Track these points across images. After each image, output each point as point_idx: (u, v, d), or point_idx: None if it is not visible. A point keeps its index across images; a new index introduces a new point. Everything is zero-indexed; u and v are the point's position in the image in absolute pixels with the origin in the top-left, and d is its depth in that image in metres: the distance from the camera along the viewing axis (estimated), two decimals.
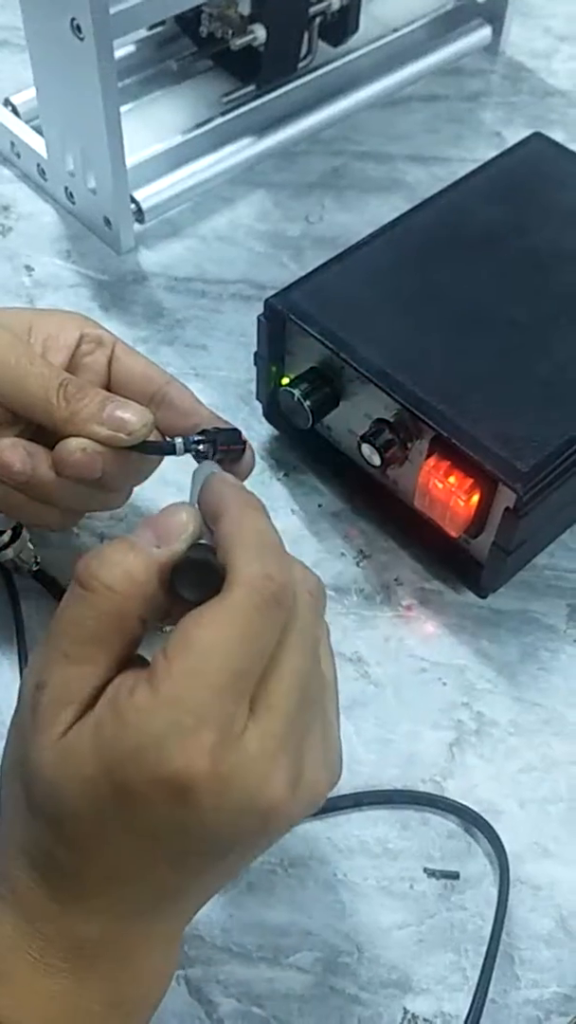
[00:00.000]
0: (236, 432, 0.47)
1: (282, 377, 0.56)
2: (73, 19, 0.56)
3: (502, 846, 0.46)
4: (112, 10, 0.55)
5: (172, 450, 0.45)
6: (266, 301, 0.53)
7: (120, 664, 0.34)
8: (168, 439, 0.47)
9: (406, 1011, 0.43)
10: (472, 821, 0.47)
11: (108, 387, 0.48)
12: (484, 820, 0.47)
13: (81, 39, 0.56)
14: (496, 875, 0.46)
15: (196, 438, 0.46)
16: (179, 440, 0.45)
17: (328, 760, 0.36)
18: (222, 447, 0.46)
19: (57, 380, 0.45)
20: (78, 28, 0.56)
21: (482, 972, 0.43)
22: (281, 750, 0.33)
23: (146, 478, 0.49)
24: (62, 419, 0.45)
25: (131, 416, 0.45)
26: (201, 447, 0.45)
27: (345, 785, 0.48)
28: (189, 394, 0.48)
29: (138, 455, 0.46)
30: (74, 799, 0.32)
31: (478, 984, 0.43)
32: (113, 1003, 0.35)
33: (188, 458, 0.46)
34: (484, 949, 0.44)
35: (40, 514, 0.47)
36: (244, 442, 0.47)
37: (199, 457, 0.45)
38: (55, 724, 0.33)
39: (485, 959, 0.44)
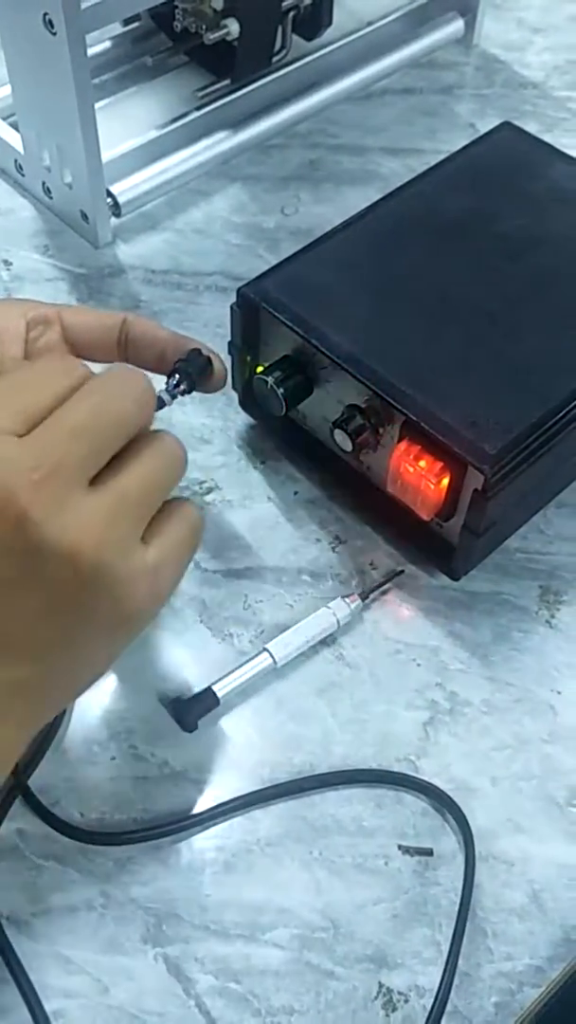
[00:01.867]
0: (200, 354, 0.48)
1: (256, 366, 0.57)
2: (45, 14, 0.56)
3: (467, 824, 0.47)
4: (83, 5, 0.56)
5: (161, 405, 0.46)
6: (239, 290, 0.54)
7: None
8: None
9: (381, 985, 0.44)
10: (437, 798, 0.48)
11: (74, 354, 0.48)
12: (449, 798, 0.47)
13: (54, 34, 0.57)
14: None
15: (174, 382, 0.47)
16: (163, 394, 0.46)
17: (156, 577, 0.38)
18: (196, 373, 0.48)
19: (23, 325, 0.46)
20: (50, 23, 0.57)
21: (451, 946, 0.44)
22: (123, 538, 0.36)
23: None
24: None
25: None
26: (182, 387, 0.47)
27: (321, 764, 0.49)
28: (148, 324, 0.49)
29: None
30: None
31: (447, 959, 0.44)
32: None
33: (166, 412, 0.48)
34: (455, 922, 0.45)
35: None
36: (209, 359, 0.49)
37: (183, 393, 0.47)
38: None
39: (454, 934, 0.44)
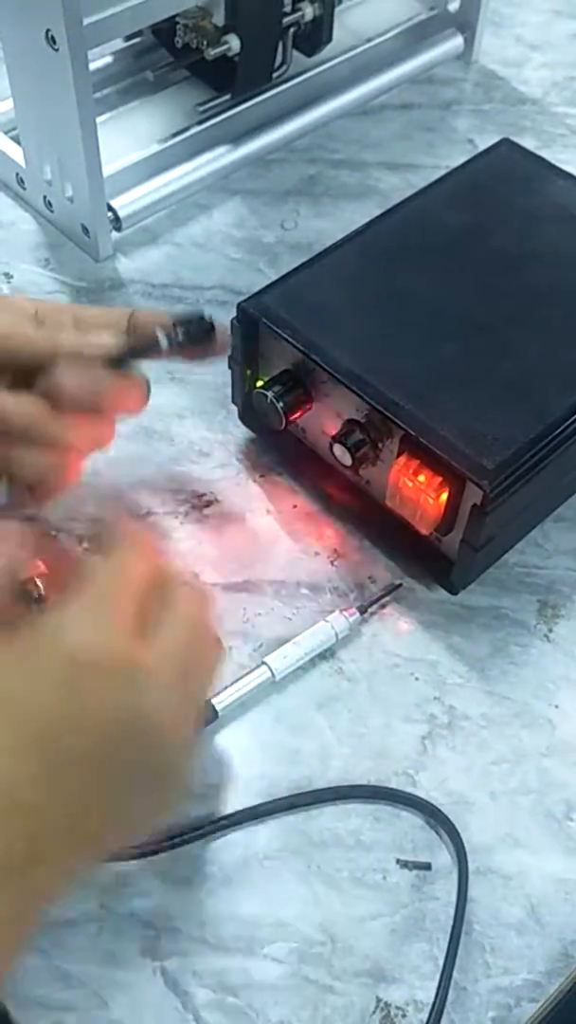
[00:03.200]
0: (203, 318, 0.49)
1: (256, 380, 0.57)
2: (48, 30, 0.57)
3: (461, 840, 0.47)
4: (86, 21, 0.56)
5: (156, 345, 0.47)
6: (239, 305, 0.54)
7: None
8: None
9: (379, 1000, 0.44)
10: (432, 815, 0.48)
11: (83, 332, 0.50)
12: (444, 815, 0.47)
13: (56, 50, 0.57)
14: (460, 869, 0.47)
15: (178, 330, 0.48)
16: (160, 333, 0.47)
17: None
18: (196, 334, 0.49)
19: (32, 309, 0.48)
20: (52, 39, 0.57)
21: (446, 959, 0.44)
22: (173, 679, 0.38)
23: (137, 405, 0.50)
24: (46, 353, 0.47)
25: (106, 337, 0.48)
26: (181, 336, 0.48)
27: (319, 778, 0.49)
28: (152, 311, 0.50)
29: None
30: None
31: (442, 972, 0.44)
32: None
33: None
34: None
35: (36, 462, 0.48)
36: (212, 323, 0.49)
37: (183, 345, 0.48)
38: None
39: (448, 947, 0.44)
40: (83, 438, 0.49)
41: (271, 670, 0.51)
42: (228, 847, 0.47)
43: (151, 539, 0.45)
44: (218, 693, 0.50)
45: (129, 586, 0.39)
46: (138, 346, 0.49)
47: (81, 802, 0.35)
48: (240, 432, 0.61)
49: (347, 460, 0.52)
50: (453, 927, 0.45)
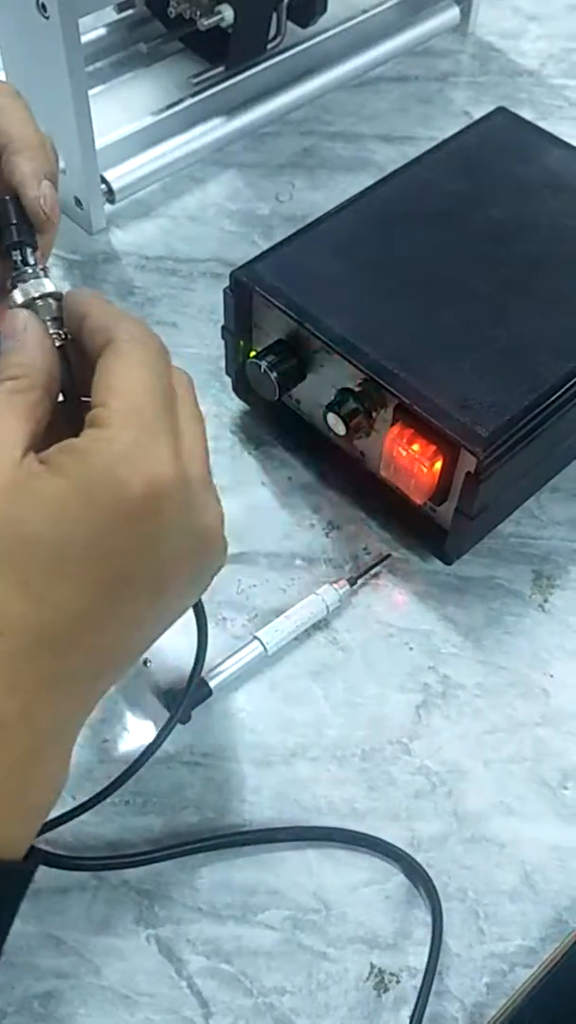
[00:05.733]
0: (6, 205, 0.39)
1: (250, 351, 0.57)
2: None
3: (435, 889, 0.45)
4: None
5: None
6: (232, 274, 0.54)
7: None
8: None
9: (372, 966, 0.44)
10: (409, 866, 0.46)
11: None
12: (418, 866, 0.46)
13: (47, 18, 0.57)
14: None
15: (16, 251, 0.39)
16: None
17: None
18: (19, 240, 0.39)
19: None
20: (43, 7, 0.56)
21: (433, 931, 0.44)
22: (208, 484, 0.36)
23: None
24: None
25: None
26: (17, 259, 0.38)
27: (313, 746, 0.49)
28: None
29: None
30: (39, 533, 0.32)
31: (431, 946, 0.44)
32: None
33: None
34: (448, 905, 0.45)
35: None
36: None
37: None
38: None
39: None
40: None
41: (263, 645, 0.51)
42: (225, 816, 0.47)
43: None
44: (211, 670, 0.50)
45: (163, 397, 0.35)
46: None
47: (144, 622, 0.36)
48: (234, 404, 0.61)
49: (341, 429, 0.52)
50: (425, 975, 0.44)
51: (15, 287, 0.38)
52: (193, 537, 0.35)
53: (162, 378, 0.35)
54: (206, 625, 0.48)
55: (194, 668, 0.48)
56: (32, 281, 0.38)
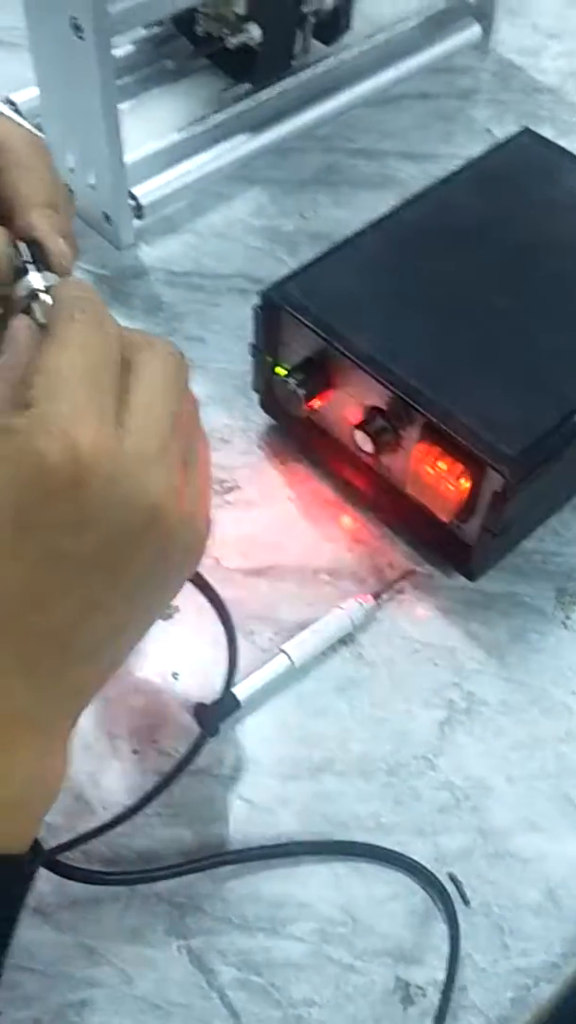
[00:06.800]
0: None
1: (277, 367, 0.57)
2: (73, 18, 0.57)
3: (454, 910, 0.46)
4: (111, 9, 0.57)
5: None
6: (262, 293, 0.55)
7: None
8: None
9: (398, 979, 0.45)
10: (425, 878, 0.47)
11: None
12: (434, 877, 0.47)
13: (81, 38, 0.58)
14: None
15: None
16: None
17: (205, 508, 0.38)
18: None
19: None
20: (78, 27, 0.57)
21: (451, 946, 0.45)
22: (159, 457, 0.34)
23: None
24: None
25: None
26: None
27: (338, 760, 0.50)
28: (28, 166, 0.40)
29: None
30: None
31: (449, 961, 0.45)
32: None
33: None
34: (474, 920, 0.46)
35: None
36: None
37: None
38: None
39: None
40: None
41: (290, 658, 0.52)
42: (254, 829, 0.48)
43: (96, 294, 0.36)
44: (239, 682, 0.50)
45: (93, 368, 0.34)
46: None
47: (105, 604, 0.35)
48: (261, 419, 0.61)
49: (369, 447, 0.53)
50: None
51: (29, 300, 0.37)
52: (134, 511, 0.34)
53: (92, 351, 0.34)
54: (235, 639, 0.48)
55: (227, 682, 0.49)
56: (24, 280, 0.37)
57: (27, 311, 0.37)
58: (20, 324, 0.37)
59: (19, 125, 0.42)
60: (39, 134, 0.41)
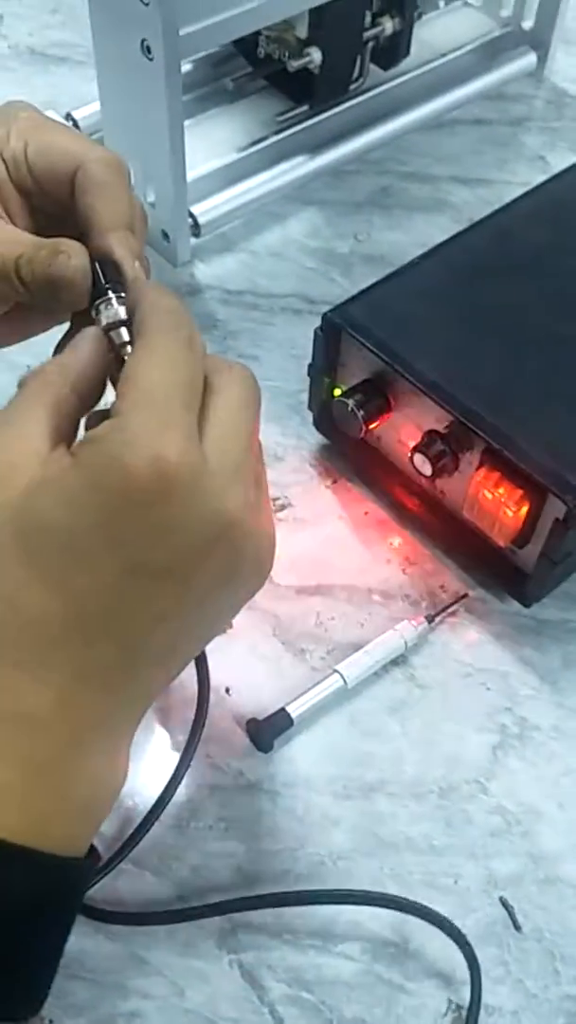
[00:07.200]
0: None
1: (335, 388, 0.58)
2: (143, 40, 0.58)
3: (477, 964, 0.45)
4: (182, 32, 0.58)
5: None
6: (324, 315, 0.55)
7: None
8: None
9: (450, 1002, 0.45)
10: (449, 929, 0.46)
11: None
12: (457, 931, 0.45)
13: (150, 59, 0.58)
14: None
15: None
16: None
17: (271, 525, 0.39)
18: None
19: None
20: (148, 49, 0.58)
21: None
22: (237, 475, 0.35)
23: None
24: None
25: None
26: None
27: (392, 781, 0.50)
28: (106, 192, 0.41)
29: None
30: (54, 520, 0.33)
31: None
32: (42, 806, 0.34)
33: None
34: (526, 945, 0.46)
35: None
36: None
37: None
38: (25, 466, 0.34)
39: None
40: None
41: (343, 678, 0.52)
42: (305, 846, 0.48)
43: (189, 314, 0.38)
44: (293, 701, 0.51)
45: (182, 385, 0.35)
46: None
47: (177, 613, 0.36)
48: (314, 438, 0.62)
49: (427, 470, 0.53)
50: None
51: (98, 313, 0.39)
52: (211, 525, 0.34)
53: (182, 368, 0.35)
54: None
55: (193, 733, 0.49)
56: (108, 310, 0.38)
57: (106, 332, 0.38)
58: (92, 334, 0.38)
59: (97, 144, 0.43)
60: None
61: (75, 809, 0.35)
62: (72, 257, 0.38)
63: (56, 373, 0.37)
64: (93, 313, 0.39)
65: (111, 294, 0.38)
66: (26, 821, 0.34)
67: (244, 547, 0.36)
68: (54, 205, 0.42)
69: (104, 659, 0.35)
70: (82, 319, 0.39)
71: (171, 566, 0.35)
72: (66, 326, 0.42)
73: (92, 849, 0.37)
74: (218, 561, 0.35)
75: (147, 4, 0.56)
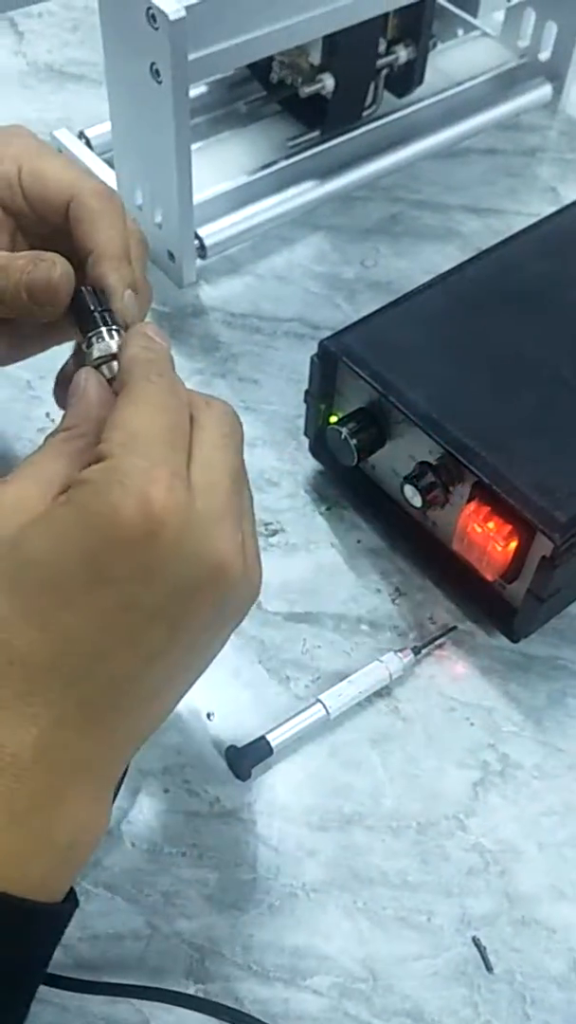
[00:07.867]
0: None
1: (330, 415, 0.58)
2: (153, 64, 0.58)
3: None
4: (191, 56, 0.58)
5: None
6: (321, 343, 0.55)
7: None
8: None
9: None
10: None
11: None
12: None
13: (159, 83, 0.59)
14: (509, 914, 0.47)
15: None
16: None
17: (259, 561, 0.39)
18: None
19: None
20: (157, 72, 0.58)
21: None
22: (225, 514, 0.36)
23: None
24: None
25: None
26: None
27: (369, 815, 0.49)
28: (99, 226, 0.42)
29: None
30: (40, 557, 0.33)
31: None
32: (19, 849, 0.34)
33: None
34: (496, 987, 0.45)
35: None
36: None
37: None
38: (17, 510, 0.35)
39: None
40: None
41: (326, 708, 0.52)
42: (275, 875, 0.48)
43: (168, 354, 0.39)
44: (273, 730, 0.51)
45: (170, 428, 0.36)
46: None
47: (165, 655, 0.36)
48: (309, 464, 0.62)
49: (417, 501, 0.53)
50: None
51: (90, 346, 0.40)
52: (201, 566, 0.35)
53: (165, 413, 0.36)
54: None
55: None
56: (100, 344, 0.40)
57: (97, 366, 0.39)
58: (91, 379, 0.38)
59: (90, 176, 0.43)
60: (111, 185, 0.43)
61: (55, 853, 0.35)
62: (57, 264, 0.39)
63: (76, 425, 0.37)
64: (85, 346, 0.40)
65: (103, 327, 0.40)
66: (2, 864, 0.33)
67: (234, 587, 0.36)
68: (48, 230, 0.43)
69: (89, 699, 0.35)
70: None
71: (161, 606, 0.35)
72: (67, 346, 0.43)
73: (71, 892, 0.37)
74: (208, 600, 0.36)
75: (156, 28, 0.56)
